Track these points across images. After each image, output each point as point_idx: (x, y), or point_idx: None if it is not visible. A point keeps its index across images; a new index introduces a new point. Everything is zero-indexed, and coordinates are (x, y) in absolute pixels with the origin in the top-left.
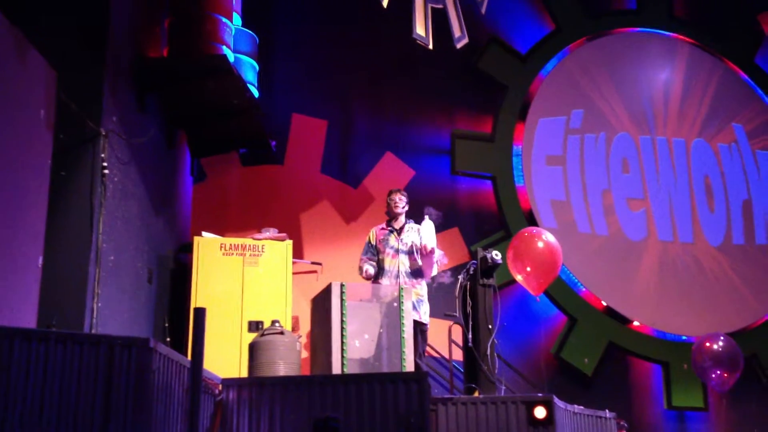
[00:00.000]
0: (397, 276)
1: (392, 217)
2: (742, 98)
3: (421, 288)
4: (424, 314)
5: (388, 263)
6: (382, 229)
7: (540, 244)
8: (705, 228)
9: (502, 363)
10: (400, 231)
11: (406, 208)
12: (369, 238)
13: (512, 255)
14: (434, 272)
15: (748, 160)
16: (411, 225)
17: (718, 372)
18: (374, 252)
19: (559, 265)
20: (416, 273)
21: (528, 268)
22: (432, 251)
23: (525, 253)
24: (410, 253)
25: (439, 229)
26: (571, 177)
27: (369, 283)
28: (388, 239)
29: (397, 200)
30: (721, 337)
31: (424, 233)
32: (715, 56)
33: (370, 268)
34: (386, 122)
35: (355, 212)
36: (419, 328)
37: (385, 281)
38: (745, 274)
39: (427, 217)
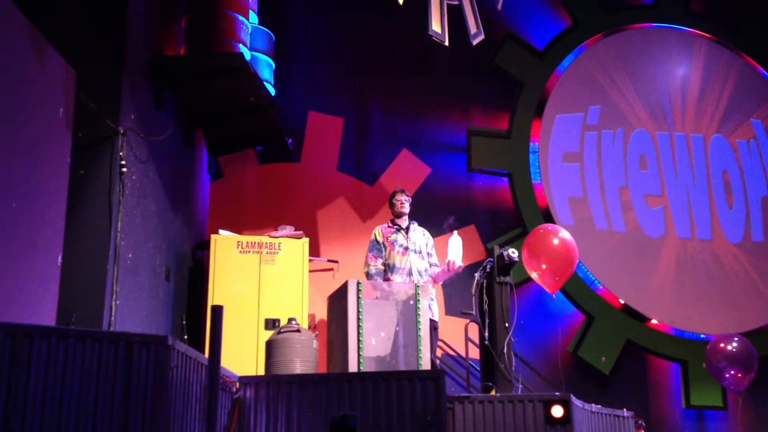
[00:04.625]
0: (410, 274)
1: (396, 216)
2: (760, 93)
3: (431, 287)
4: (435, 313)
5: (399, 260)
6: (388, 227)
7: (555, 241)
8: (724, 225)
9: (519, 361)
10: (406, 230)
11: (409, 209)
12: (375, 236)
13: (527, 253)
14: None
15: (767, 156)
16: (415, 225)
17: (732, 372)
18: (380, 249)
19: (574, 262)
20: (426, 272)
21: (543, 266)
22: (460, 269)
23: (540, 250)
24: (419, 252)
25: (456, 226)
26: (588, 174)
27: (383, 281)
28: (396, 237)
29: (403, 200)
30: (735, 338)
31: (452, 250)
32: (733, 51)
33: (373, 270)
34: (402, 119)
35: (372, 210)
36: (432, 326)
37: (396, 278)
38: (764, 272)
39: (455, 233)
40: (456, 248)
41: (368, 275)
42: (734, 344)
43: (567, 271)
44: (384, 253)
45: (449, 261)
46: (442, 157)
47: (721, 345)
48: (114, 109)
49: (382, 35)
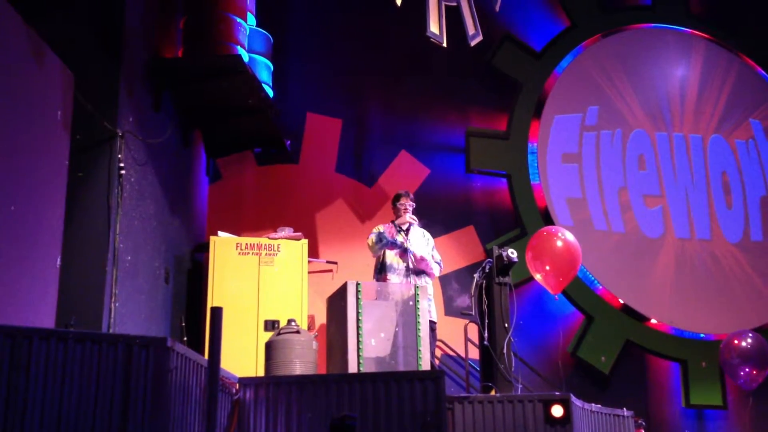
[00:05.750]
0: (407, 275)
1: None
2: (759, 94)
3: (429, 287)
4: (434, 313)
5: (397, 261)
6: (390, 227)
7: (559, 243)
8: (723, 225)
9: (519, 361)
10: (407, 231)
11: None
12: (378, 228)
13: (531, 255)
14: (436, 273)
15: (765, 156)
16: (416, 227)
17: (747, 369)
18: (388, 243)
19: (578, 263)
20: (423, 272)
21: (547, 267)
22: (422, 259)
23: (544, 252)
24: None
25: (455, 227)
26: (587, 174)
27: (383, 280)
28: (396, 239)
29: (407, 206)
30: (750, 334)
31: (414, 243)
32: (732, 52)
33: (374, 236)
34: (401, 121)
35: (370, 211)
36: (429, 326)
37: (394, 279)
38: (763, 271)
39: (415, 224)
40: (418, 243)
41: (374, 242)
42: (748, 341)
43: (570, 272)
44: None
45: (413, 253)
46: (441, 158)
47: (735, 342)
48: (112, 112)
49: (380, 37)
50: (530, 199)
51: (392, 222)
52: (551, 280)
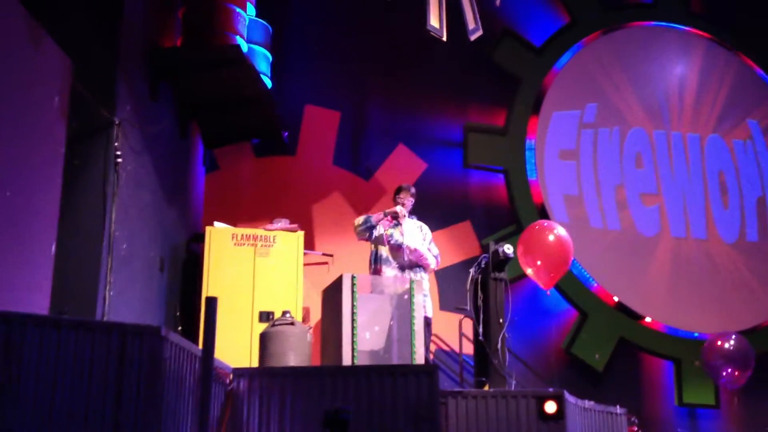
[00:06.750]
0: (402, 269)
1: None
2: (757, 94)
3: (425, 283)
4: (429, 309)
5: (393, 255)
6: (387, 220)
7: (550, 238)
8: (719, 224)
9: (513, 357)
10: (401, 224)
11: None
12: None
13: (522, 249)
14: (433, 265)
15: (762, 157)
16: (414, 221)
17: (729, 370)
18: (372, 226)
19: (569, 258)
20: (418, 266)
21: (538, 262)
22: (415, 250)
23: (535, 246)
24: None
25: (451, 222)
26: (584, 171)
27: (377, 271)
28: (392, 232)
29: (406, 202)
30: (733, 336)
31: (407, 235)
32: (731, 51)
33: (361, 218)
34: (399, 114)
35: (367, 204)
36: (425, 322)
37: (389, 272)
38: (758, 272)
39: (415, 217)
40: (412, 234)
41: (359, 223)
42: (731, 342)
43: (562, 267)
44: (374, 233)
45: (407, 245)
46: (439, 153)
47: (718, 343)
48: (109, 100)
49: (380, 30)
50: (527, 195)
51: (384, 212)
52: (543, 275)
